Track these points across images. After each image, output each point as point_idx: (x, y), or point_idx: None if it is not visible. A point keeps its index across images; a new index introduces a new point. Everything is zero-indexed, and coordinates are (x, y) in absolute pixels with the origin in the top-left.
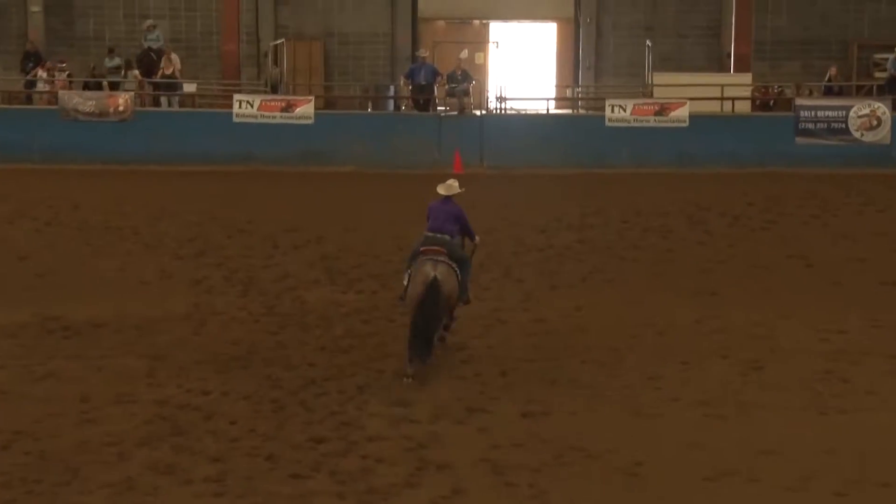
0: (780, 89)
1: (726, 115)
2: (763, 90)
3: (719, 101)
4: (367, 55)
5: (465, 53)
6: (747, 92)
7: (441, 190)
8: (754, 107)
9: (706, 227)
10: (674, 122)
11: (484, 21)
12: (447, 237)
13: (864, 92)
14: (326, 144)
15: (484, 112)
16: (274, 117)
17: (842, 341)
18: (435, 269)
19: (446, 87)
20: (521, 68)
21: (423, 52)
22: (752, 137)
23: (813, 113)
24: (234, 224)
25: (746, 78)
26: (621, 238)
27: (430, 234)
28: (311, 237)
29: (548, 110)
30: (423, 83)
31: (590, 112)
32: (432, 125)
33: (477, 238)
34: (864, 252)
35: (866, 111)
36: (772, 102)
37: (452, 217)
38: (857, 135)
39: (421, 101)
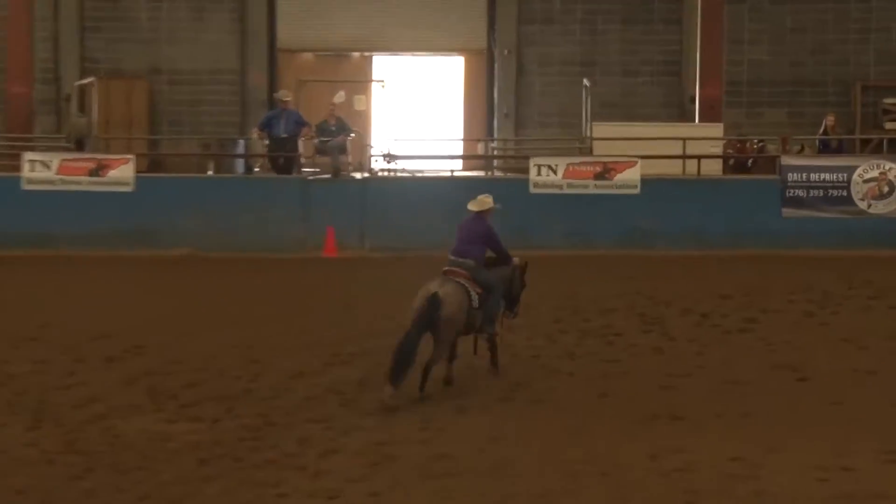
0: (760, 144)
1: (690, 178)
2: (738, 145)
3: (681, 161)
4: (207, 99)
5: (340, 96)
6: (718, 148)
7: (471, 206)
8: (727, 167)
9: (665, 328)
10: (621, 187)
11: (366, 53)
12: (471, 262)
13: (872, 148)
14: (151, 219)
15: (366, 175)
16: (79, 183)
17: (848, 482)
18: (441, 286)
19: (316, 141)
20: (417, 116)
21: (285, 95)
22: (723, 208)
23: (804, 176)
24: (23, 329)
25: (716, 129)
26: (552, 343)
27: (452, 257)
28: (129, 346)
29: (452, 172)
30: (285, 136)
31: (509, 175)
32: (296, 193)
33: (515, 259)
34: (874, 362)
35: (874, 173)
36: (750, 162)
37: (478, 237)
38: (862, 205)
39: (281, 161)
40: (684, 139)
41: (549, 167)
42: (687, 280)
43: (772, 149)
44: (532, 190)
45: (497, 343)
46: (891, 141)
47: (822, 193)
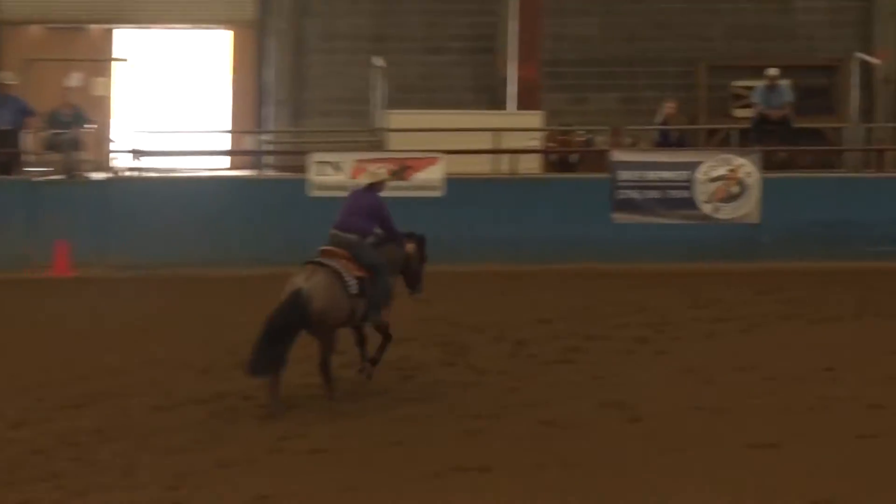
0: (587, 136)
1: (504, 178)
2: (561, 138)
3: (493, 157)
4: None
5: (76, 79)
6: (537, 141)
7: (363, 178)
8: (548, 165)
9: (471, 359)
10: (420, 189)
11: (107, 26)
12: (353, 238)
13: (719, 140)
14: None
15: (108, 176)
16: None
17: None
18: (308, 280)
19: (45, 134)
20: (171, 104)
21: (7, 79)
22: (543, 214)
23: (639, 174)
24: None
25: (535, 119)
26: (335, 379)
27: (333, 231)
28: None
29: (214, 171)
30: (6, 128)
31: (284, 174)
32: (19, 198)
33: (409, 246)
34: (721, 398)
35: (722, 171)
36: (575, 157)
37: (366, 211)
38: (707, 209)
39: (1, 159)
40: (495, 130)
41: (334, 165)
42: (498, 301)
43: (600, 142)
44: (312, 193)
45: (389, 334)
46: (742, 132)
47: (659, 195)
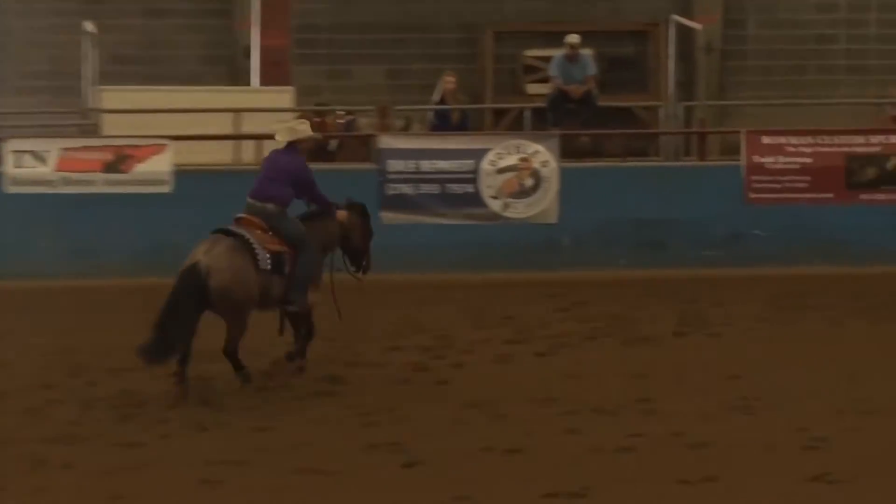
0: (348, 118)
1: (245, 168)
2: (317, 120)
3: (233, 143)
4: None
5: None
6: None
7: (280, 136)
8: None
9: (209, 395)
10: (143, 183)
11: None
12: (271, 208)
13: (510, 123)
14: None
15: None
16: None
17: None
18: (208, 252)
19: None
20: None
21: None
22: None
23: (413, 164)
24: None
25: (284, 96)
26: (39, 419)
27: (250, 200)
28: None
29: None
30: None
31: None
32: None
33: (340, 213)
34: (514, 437)
35: (512, 160)
36: (334, 144)
37: (285, 175)
38: (496, 206)
39: None
40: (236, 111)
41: (34, 154)
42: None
43: (364, 124)
44: (8, 188)
45: (311, 320)
46: (536, 112)
47: (438, 190)
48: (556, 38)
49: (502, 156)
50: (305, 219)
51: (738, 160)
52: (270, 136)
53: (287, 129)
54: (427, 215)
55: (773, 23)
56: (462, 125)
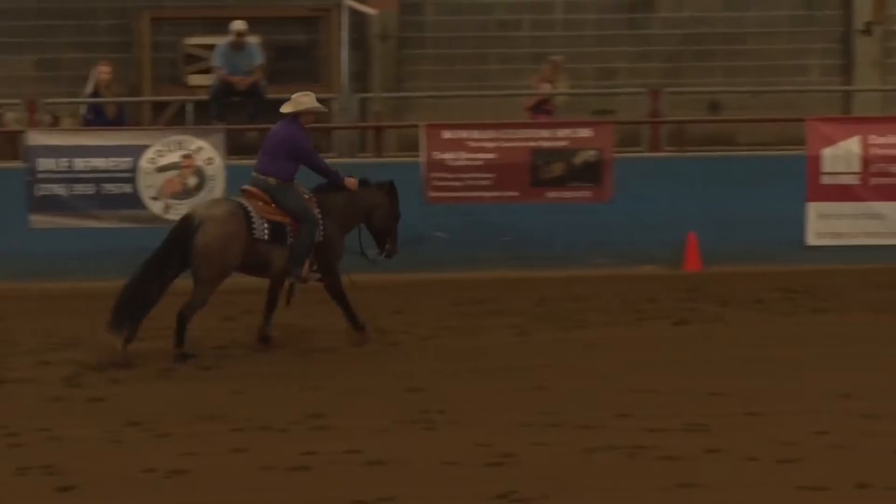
0: None
1: None
2: None
3: None
4: None
5: None
6: None
7: (284, 108)
8: None
9: None
10: None
11: None
12: (272, 181)
13: (170, 116)
14: None
15: None
16: None
17: None
18: (208, 209)
19: None
20: None
21: None
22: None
23: (64, 162)
24: None
25: None
26: None
27: (253, 174)
28: None
29: None
30: None
31: None
32: None
33: (349, 180)
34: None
35: (174, 157)
36: None
37: (286, 148)
38: (156, 208)
39: None
40: None
41: None
42: None
43: (11, 120)
44: None
45: (342, 291)
46: (199, 105)
47: (92, 190)
48: (219, 25)
49: (163, 153)
50: (319, 191)
51: (418, 156)
52: None
53: (291, 102)
54: (81, 218)
55: (452, 8)
56: (118, 119)
